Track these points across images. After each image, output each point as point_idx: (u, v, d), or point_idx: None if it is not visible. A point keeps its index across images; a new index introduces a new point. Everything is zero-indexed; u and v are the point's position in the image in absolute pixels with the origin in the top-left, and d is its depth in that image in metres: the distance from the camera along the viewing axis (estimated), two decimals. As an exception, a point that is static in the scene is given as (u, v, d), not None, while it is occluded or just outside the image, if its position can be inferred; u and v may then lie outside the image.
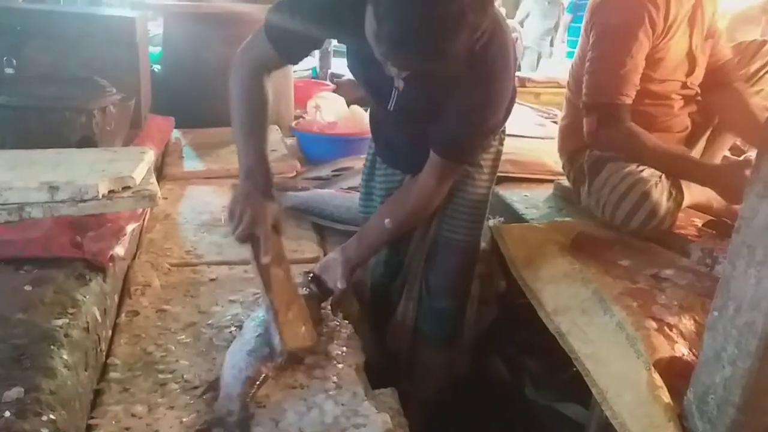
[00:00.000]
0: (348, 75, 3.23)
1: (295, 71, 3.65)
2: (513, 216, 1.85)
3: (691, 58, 1.71)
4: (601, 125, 1.62)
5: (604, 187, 1.63)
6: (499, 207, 1.89)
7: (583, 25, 1.76)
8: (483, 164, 1.50)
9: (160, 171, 2.31)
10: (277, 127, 2.86)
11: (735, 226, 1.01)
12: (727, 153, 2.00)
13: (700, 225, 1.63)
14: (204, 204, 2.07)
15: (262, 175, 1.31)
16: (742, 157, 1.86)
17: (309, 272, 1.43)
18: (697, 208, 1.74)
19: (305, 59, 1.36)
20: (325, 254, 1.74)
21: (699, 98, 1.79)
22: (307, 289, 1.37)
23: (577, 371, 1.28)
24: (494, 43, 1.16)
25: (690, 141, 1.80)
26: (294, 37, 1.25)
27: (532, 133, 2.60)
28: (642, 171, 1.58)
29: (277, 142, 2.67)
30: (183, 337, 1.31)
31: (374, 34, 0.98)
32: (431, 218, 1.52)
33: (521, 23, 6.01)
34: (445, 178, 1.35)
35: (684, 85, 1.74)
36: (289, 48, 1.30)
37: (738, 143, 2.08)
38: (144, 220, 1.80)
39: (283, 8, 1.25)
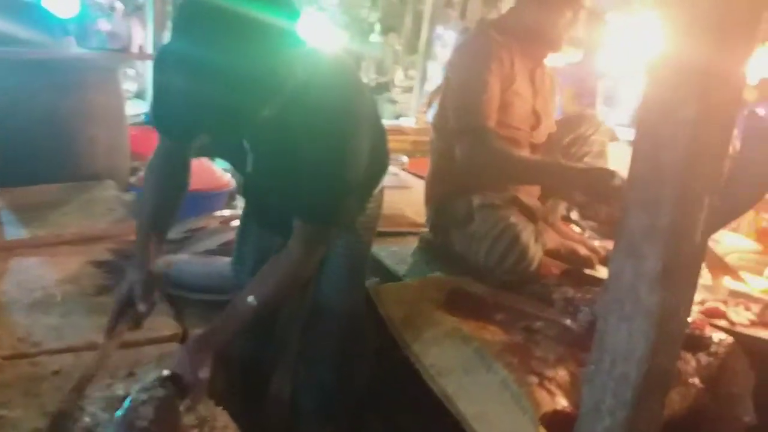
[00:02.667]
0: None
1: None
2: (386, 273, 1.86)
3: (536, 116, 1.88)
4: (473, 147, 1.69)
5: (476, 232, 1.72)
6: (371, 265, 1.88)
7: (445, 72, 1.88)
8: (359, 227, 1.48)
9: (-27, 241, 1.99)
10: (112, 182, 2.61)
11: (605, 283, 1.08)
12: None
13: (557, 273, 1.76)
14: (34, 279, 1.79)
15: (140, 256, 1.35)
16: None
17: (163, 375, 1.26)
18: (548, 253, 1.88)
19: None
20: (184, 330, 1.59)
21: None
22: (163, 390, 1.21)
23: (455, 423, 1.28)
24: (323, 101, 1.15)
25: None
26: (178, 118, 1.22)
27: (388, 183, 2.64)
28: (510, 217, 1.69)
29: (112, 199, 2.44)
30: (27, 450, 1.11)
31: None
32: (307, 283, 1.46)
33: None
34: (312, 245, 1.28)
35: (531, 136, 1.90)
36: (181, 130, 1.31)
37: None
38: (-40, 305, 1.52)
39: (153, 98, 1.34)
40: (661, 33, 0.95)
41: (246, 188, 1.53)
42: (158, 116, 1.32)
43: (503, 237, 1.64)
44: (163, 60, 1.21)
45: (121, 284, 1.33)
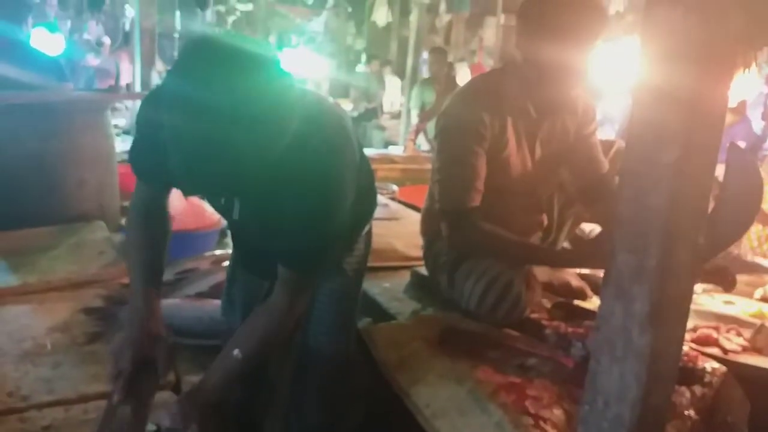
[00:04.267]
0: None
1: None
2: (379, 312, 1.85)
3: (535, 169, 1.81)
4: (456, 229, 1.69)
5: (467, 280, 1.69)
6: (363, 303, 1.88)
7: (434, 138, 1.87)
8: (347, 268, 1.48)
9: (-40, 290, 1.96)
10: (102, 223, 2.59)
11: (595, 325, 1.08)
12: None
13: (548, 307, 1.76)
14: (23, 328, 1.76)
15: (146, 313, 1.31)
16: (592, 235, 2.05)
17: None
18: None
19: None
20: (177, 378, 1.58)
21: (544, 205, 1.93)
22: None
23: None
24: (309, 147, 1.11)
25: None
26: (148, 161, 1.22)
27: (378, 215, 2.65)
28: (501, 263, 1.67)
29: (102, 241, 2.42)
30: None
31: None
32: (294, 330, 1.45)
33: None
34: (297, 294, 1.26)
35: (527, 193, 1.85)
36: (149, 173, 1.30)
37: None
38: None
39: (134, 142, 1.30)
40: (642, 63, 0.96)
41: (232, 234, 1.53)
42: (139, 162, 1.29)
43: (496, 284, 1.62)
44: (157, 104, 1.10)
45: (126, 343, 1.27)
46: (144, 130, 1.24)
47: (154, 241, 1.35)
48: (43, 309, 1.90)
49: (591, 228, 2.19)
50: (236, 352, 1.24)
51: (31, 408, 1.41)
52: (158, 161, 1.18)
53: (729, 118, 3.64)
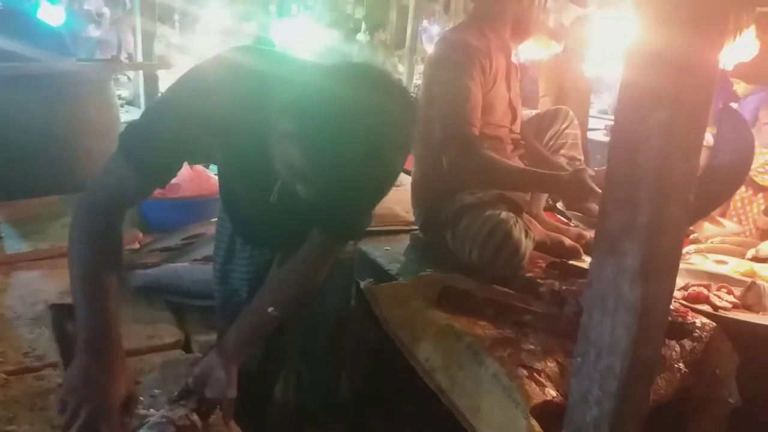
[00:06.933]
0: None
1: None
2: (379, 273, 1.91)
3: (512, 108, 1.95)
4: (460, 154, 1.74)
5: (467, 231, 1.75)
6: (364, 265, 1.93)
7: (423, 80, 1.91)
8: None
9: (-26, 257, 2.01)
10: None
11: (587, 280, 1.13)
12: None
13: (543, 266, 1.81)
14: (36, 292, 1.82)
15: (109, 345, 1.07)
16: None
17: (183, 393, 1.22)
18: (534, 246, 1.93)
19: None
20: (186, 337, 1.63)
21: (523, 143, 2.02)
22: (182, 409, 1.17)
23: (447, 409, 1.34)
24: None
25: None
26: (163, 153, 1.10)
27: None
28: (500, 214, 1.73)
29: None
30: (39, 463, 1.15)
31: (299, 176, 0.96)
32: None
33: None
34: (332, 254, 1.33)
35: (511, 131, 1.97)
36: (159, 167, 1.11)
37: None
38: (-36, 322, 1.56)
39: (145, 124, 1.11)
40: (635, 26, 0.99)
41: (244, 210, 1.49)
42: (147, 154, 1.08)
43: (495, 234, 1.68)
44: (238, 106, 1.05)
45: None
46: (181, 122, 1.08)
47: (114, 252, 1.19)
48: (54, 274, 1.96)
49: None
50: (271, 309, 1.24)
51: (47, 366, 1.46)
52: (174, 156, 1.13)
53: (741, 88, 3.58)
